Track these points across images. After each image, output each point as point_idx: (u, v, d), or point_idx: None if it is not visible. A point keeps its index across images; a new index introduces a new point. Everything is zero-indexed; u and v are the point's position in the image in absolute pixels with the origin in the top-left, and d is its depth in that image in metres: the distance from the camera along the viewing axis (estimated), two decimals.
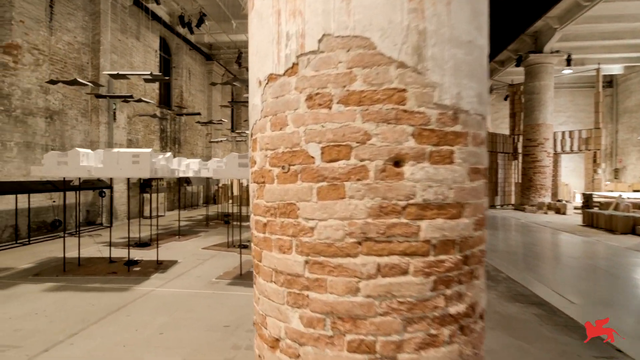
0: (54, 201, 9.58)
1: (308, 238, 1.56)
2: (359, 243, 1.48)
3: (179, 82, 17.00)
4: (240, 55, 17.81)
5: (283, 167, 1.65)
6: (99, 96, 8.47)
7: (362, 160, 1.49)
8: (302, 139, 1.58)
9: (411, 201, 1.48)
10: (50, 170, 5.77)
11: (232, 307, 4.50)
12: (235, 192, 20.16)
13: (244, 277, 5.76)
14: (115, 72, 6.42)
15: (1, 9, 8.65)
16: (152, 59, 14.44)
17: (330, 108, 1.51)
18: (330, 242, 1.52)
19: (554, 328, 3.89)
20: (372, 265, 1.48)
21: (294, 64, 1.59)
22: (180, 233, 9.69)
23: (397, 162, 1.49)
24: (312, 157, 1.56)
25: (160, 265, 6.47)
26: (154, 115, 11.77)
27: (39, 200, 9.47)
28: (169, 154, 6.39)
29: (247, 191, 17.38)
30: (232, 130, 24.34)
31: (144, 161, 5.63)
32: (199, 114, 12.82)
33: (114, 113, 11.76)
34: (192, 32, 14.31)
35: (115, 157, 5.69)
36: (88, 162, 5.94)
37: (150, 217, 11.75)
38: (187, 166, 9.11)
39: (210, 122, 14.67)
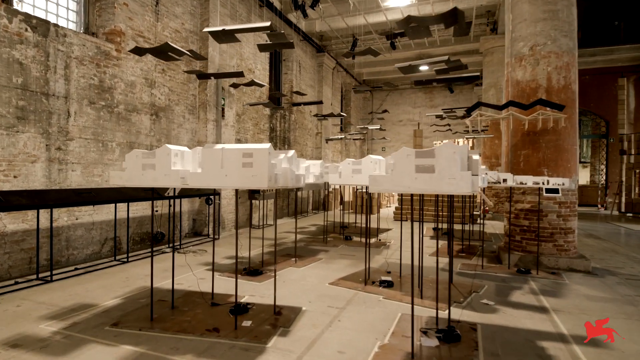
0: (156, 210, 8.32)
1: None
2: None
3: (289, 76, 15.46)
4: (355, 43, 15.67)
5: None
6: (201, 77, 6.86)
7: None
8: None
9: None
10: (132, 178, 4.02)
11: None
12: (346, 197, 18.06)
13: None
14: (220, 28, 4.55)
15: None
16: None
17: None
18: None
19: None
20: None
21: None
22: (296, 253, 7.69)
23: None
24: None
25: (279, 318, 4.38)
26: (268, 104, 10.10)
27: (142, 208, 8.29)
28: (292, 152, 4.26)
29: (362, 197, 15.05)
30: (341, 129, 22.48)
31: (259, 164, 3.55)
32: (321, 102, 10.84)
33: (223, 109, 10.39)
34: (305, 15, 12.50)
35: (217, 159, 3.71)
36: (183, 164, 4.09)
37: (261, 227, 10.11)
38: (306, 169, 7.07)
39: (331, 114, 12.75)
